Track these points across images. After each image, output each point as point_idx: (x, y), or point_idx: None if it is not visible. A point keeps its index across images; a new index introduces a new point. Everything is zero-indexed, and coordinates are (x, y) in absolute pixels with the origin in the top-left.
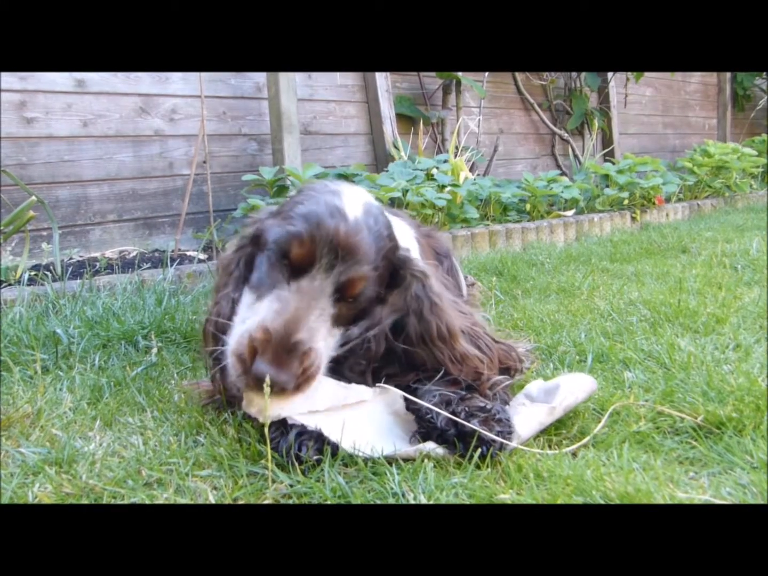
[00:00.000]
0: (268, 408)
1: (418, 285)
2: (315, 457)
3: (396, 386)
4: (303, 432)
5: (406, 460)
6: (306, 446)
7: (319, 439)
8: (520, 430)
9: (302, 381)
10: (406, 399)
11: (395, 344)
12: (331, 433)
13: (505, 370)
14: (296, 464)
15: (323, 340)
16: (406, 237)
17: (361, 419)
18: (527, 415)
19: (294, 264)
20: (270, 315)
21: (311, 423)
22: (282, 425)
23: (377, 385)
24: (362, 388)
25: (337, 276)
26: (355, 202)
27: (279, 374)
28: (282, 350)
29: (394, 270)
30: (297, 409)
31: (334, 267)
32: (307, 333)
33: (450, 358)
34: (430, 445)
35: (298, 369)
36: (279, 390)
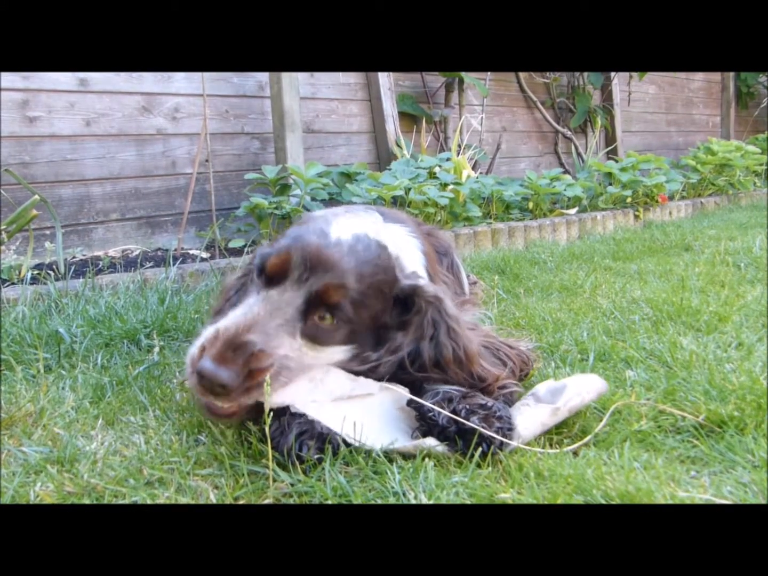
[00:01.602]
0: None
1: (433, 310)
2: (316, 456)
3: (400, 382)
4: (304, 431)
5: (406, 456)
6: (307, 446)
7: (320, 438)
8: (522, 431)
9: (251, 384)
10: (409, 399)
11: (409, 371)
12: (334, 425)
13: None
14: (297, 464)
15: (284, 350)
16: (415, 260)
17: (366, 411)
18: (530, 415)
19: (269, 275)
20: (229, 317)
21: (314, 413)
22: (283, 424)
23: (383, 384)
24: (370, 381)
25: (309, 288)
26: (347, 229)
27: (218, 370)
28: (227, 348)
29: (407, 298)
30: (302, 397)
31: (306, 280)
32: (261, 336)
33: (468, 381)
34: (430, 442)
35: (243, 369)
36: (220, 388)
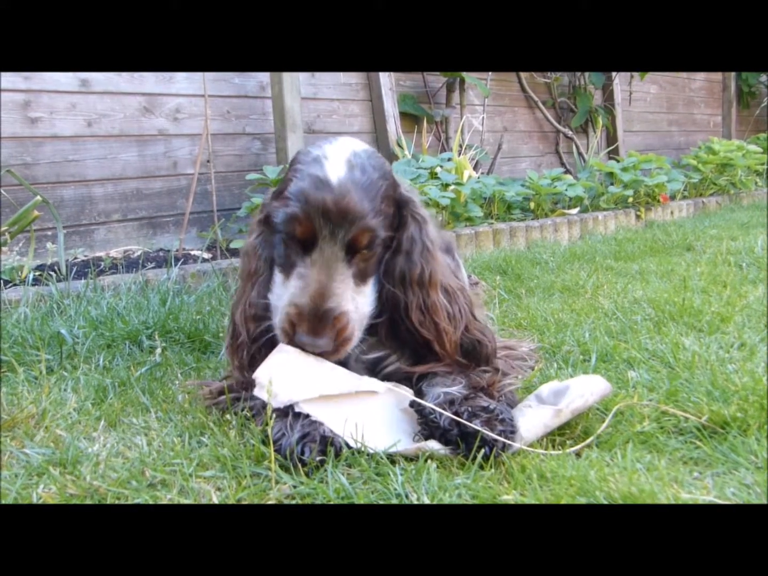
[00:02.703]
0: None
1: (415, 227)
2: (318, 459)
3: (401, 381)
4: (306, 434)
5: (408, 458)
6: (309, 448)
7: (323, 440)
8: (524, 433)
9: (341, 342)
10: (413, 401)
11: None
12: (336, 427)
13: (473, 355)
14: (299, 466)
15: (352, 300)
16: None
17: (369, 412)
18: (532, 417)
19: (301, 242)
20: (297, 291)
21: (317, 413)
22: (285, 426)
23: (388, 384)
24: (374, 380)
25: (342, 239)
26: (337, 163)
27: (316, 341)
28: (314, 320)
29: (397, 208)
30: (308, 392)
31: (336, 233)
32: (333, 300)
33: (418, 305)
34: (432, 444)
35: (333, 332)
36: (321, 353)
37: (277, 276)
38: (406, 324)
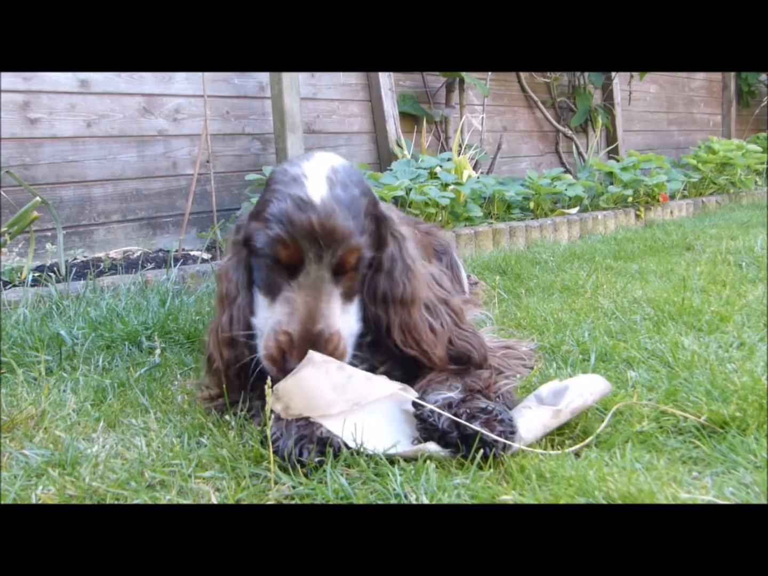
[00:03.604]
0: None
1: (395, 246)
2: (317, 459)
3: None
4: (304, 436)
5: (407, 459)
6: (307, 449)
7: (321, 442)
8: (523, 433)
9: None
10: (413, 402)
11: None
12: (335, 428)
13: (464, 362)
14: (297, 467)
15: (340, 319)
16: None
17: (369, 413)
18: (531, 417)
19: (287, 266)
20: (284, 317)
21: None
22: (282, 428)
23: (397, 384)
24: (385, 381)
25: (330, 261)
26: (318, 181)
27: None
28: (306, 345)
29: (377, 225)
30: (321, 409)
31: (322, 255)
32: (323, 322)
33: (400, 325)
34: (431, 447)
35: (327, 354)
36: None
37: (260, 299)
38: (390, 343)
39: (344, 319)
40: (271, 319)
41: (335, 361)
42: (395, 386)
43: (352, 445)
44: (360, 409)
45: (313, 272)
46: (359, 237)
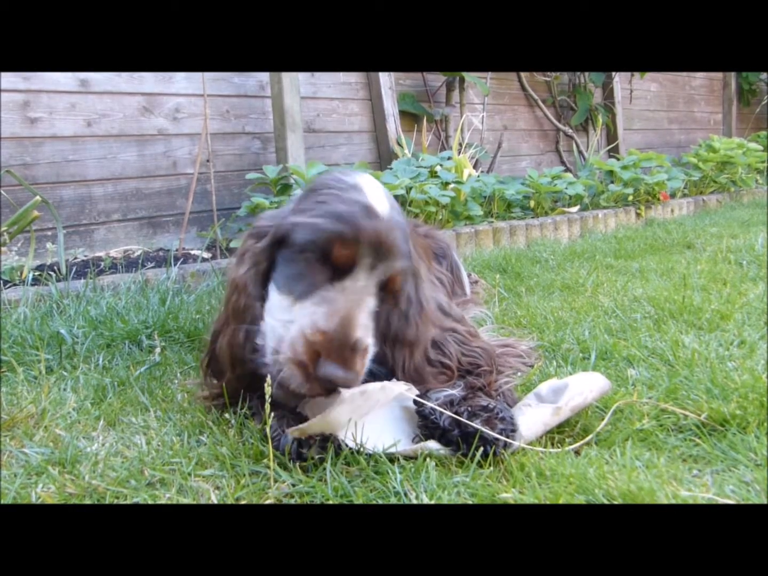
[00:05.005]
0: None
1: (412, 285)
2: (317, 456)
3: None
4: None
5: (407, 458)
6: (308, 445)
7: (322, 437)
8: (524, 431)
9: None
10: (415, 401)
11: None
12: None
13: (469, 373)
14: (297, 463)
15: (371, 338)
16: None
17: (372, 412)
18: (532, 415)
19: (337, 264)
20: (320, 317)
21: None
22: (283, 424)
23: (405, 384)
24: (395, 385)
25: (380, 275)
26: (378, 197)
27: (348, 374)
28: (345, 350)
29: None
30: (343, 419)
31: (375, 266)
32: (362, 331)
33: (402, 366)
34: (432, 445)
35: (359, 367)
36: (341, 386)
37: (279, 299)
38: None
39: (371, 338)
40: (297, 320)
41: (359, 389)
42: (402, 387)
43: (352, 444)
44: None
45: (362, 280)
46: (407, 262)
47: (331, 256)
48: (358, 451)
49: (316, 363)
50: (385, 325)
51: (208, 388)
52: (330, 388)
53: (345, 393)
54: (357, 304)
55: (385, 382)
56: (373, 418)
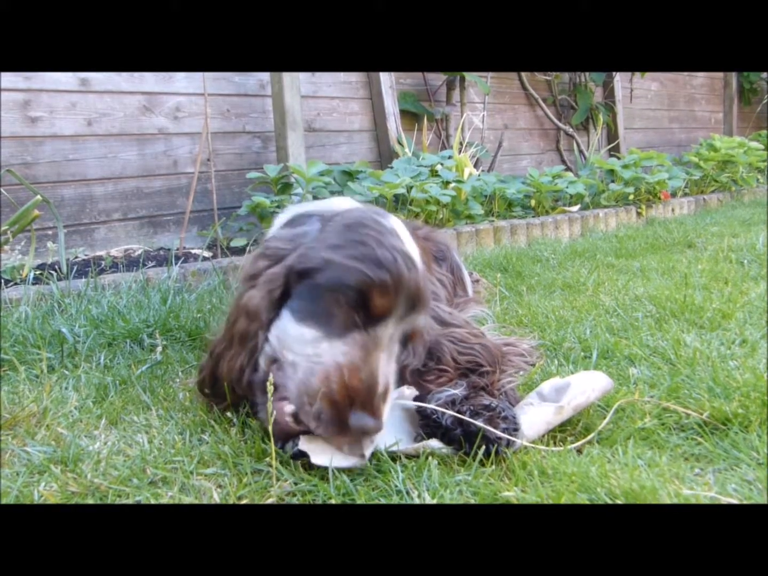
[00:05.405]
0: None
1: (427, 316)
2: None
3: None
4: (308, 431)
5: (409, 456)
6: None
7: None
8: (526, 431)
9: None
10: (415, 399)
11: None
12: None
13: (471, 371)
14: (299, 460)
15: (393, 378)
16: None
17: None
18: (534, 414)
19: (372, 311)
20: (356, 360)
21: None
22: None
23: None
24: (402, 390)
25: (408, 324)
26: (411, 244)
27: (377, 423)
28: (375, 399)
29: None
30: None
31: (407, 316)
32: (387, 377)
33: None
34: (433, 444)
35: (384, 411)
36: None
37: (300, 332)
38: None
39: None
40: (328, 358)
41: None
42: (404, 388)
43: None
44: None
45: (390, 329)
46: (428, 312)
47: (368, 302)
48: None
49: (348, 407)
50: (410, 361)
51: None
52: (358, 436)
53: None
54: (387, 353)
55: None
56: None
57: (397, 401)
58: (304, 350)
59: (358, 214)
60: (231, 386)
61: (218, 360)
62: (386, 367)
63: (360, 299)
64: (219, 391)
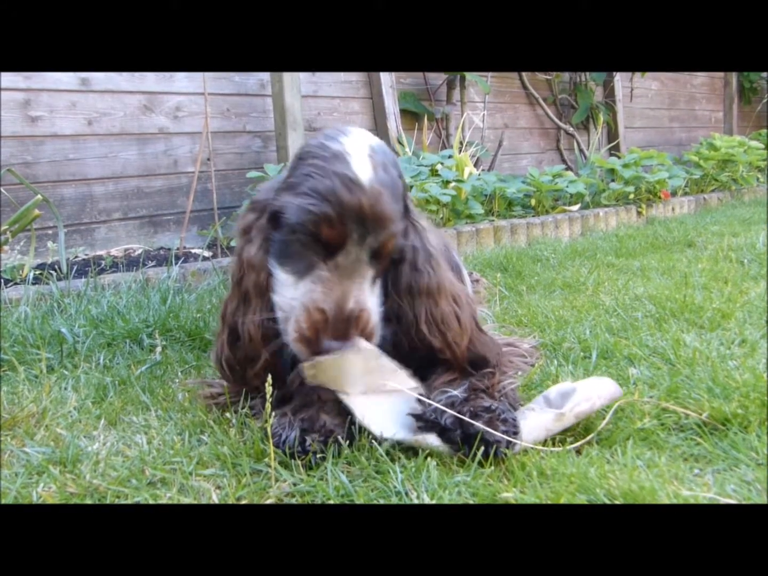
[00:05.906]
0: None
1: (416, 235)
2: (318, 456)
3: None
4: (305, 429)
5: (408, 456)
6: (311, 438)
7: (324, 432)
8: (525, 436)
9: (365, 337)
10: (417, 399)
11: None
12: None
13: (478, 366)
14: (299, 457)
15: (370, 299)
16: None
17: (380, 403)
18: (534, 420)
19: (327, 244)
20: (318, 296)
21: (349, 402)
22: (284, 422)
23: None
24: (408, 378)
25: (371, 244)
26: (363, 161)
27: (345, 345)
28: (341, 324)
29: (405, 213)
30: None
31: (365, 237)
32: (355, 302)
33: (427, 319)
34: (432, 439)
35: (357, 331)
36: None
37: (283, 277)
38: (413, 336)
39: (372, 300)
40: (299, 298)
41: (376, 349)
42: (413, 384)
43: (358, 419)
44: (374, 395)
45: (353, 253)
46: (399, 222)
47: (319, 236)
48: (358, 449)
49: (319, 340)
50: (397, 280)
51: (209, 386)
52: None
53: (361, 342)
54: (350, 278)
55: (400, 369)
56: (380, 400)
57: (401, 393)
58: (288, 294)
59: (312, 140)
60: (263, 341)
61: (235, 323)
62: (358, 291)
63: (313, 235)
64: (250, 355)
